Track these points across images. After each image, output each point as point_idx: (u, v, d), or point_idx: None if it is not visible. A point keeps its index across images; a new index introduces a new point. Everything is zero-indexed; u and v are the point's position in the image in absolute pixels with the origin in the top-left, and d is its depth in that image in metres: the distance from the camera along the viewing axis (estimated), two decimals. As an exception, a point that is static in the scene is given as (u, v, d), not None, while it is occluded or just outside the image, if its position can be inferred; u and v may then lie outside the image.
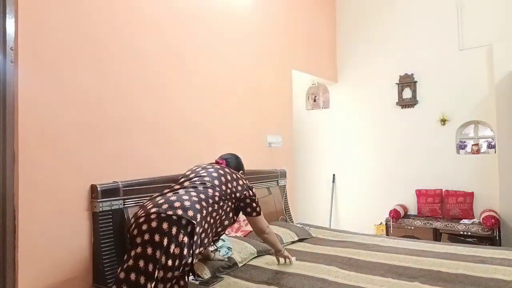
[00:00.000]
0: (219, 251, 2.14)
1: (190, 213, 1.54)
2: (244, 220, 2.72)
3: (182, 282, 1.56)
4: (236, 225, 2.64)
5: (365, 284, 1.83)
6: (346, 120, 4.77)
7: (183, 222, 1.50)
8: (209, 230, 1.67)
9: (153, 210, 1.53)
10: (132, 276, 1.40)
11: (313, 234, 2.91)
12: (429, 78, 4.16)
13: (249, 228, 2.73)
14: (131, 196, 2.12)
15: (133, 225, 1.53)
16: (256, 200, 1.97)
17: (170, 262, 1.42)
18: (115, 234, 2.02)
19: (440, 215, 3.94)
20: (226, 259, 2.11)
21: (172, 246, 1.44)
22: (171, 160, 2.48)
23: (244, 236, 2.61)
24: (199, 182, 1.79)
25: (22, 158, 1.74)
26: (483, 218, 3.50)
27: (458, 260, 2.13)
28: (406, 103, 4.28)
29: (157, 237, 1.43)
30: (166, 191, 1.75)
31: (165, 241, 1.43)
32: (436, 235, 3.68)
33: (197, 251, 1.56)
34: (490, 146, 3.91)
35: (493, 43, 3.70)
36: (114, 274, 1.95)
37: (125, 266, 1.43)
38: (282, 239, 2.58)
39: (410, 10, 4.33)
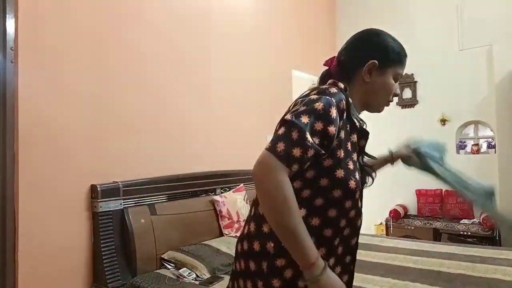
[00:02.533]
0: None
1: None
2: (244, 220, 2.72)
3: None
4: (236, 225, 2.64)
5: (365, 284, 1.83)
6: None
7: None
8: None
9: None
10: None
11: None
12: (429, 78, 4.15)
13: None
14: (131, 196, 2.12)
15: None
16: (291, 119, 0.88)
17: None
18: (115, 234, 2.02)
19: (440, 215, 3.93)
20: None
21: None
22: (171, 160, 2.47)
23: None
24: None
25: (22, 158, 1.74)
26: (483, 218, 3.50)
27: (458, 260, 2.13)
28: (406, 103, 4.28)
29: None
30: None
31: None
32: (436, 235, 3.68)
33: None
34: (490, 146, 3.91)
35: (493, 43, 3.69)
36: (114, 274, 1.96)
37: None
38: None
39: (410, 10, 4.33)
